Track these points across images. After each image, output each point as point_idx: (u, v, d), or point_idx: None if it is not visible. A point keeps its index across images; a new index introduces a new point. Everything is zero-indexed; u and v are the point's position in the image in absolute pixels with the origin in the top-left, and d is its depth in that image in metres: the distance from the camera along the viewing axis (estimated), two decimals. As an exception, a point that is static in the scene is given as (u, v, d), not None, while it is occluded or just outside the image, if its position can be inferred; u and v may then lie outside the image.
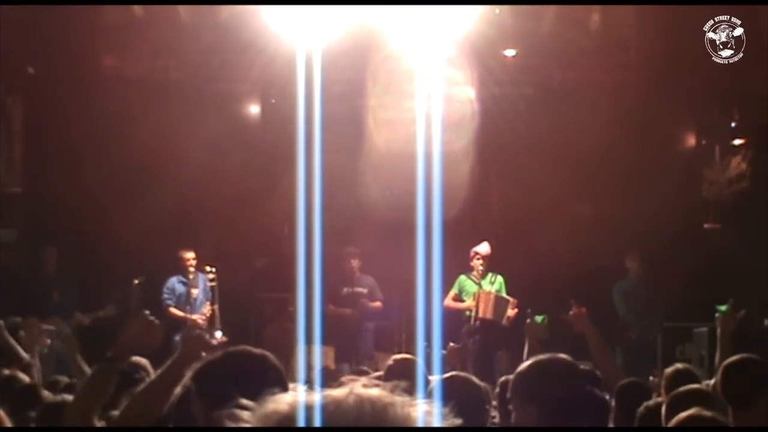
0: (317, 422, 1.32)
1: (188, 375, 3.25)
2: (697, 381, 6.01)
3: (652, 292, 11.69)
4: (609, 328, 11.58)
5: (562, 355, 3.63)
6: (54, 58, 12.16)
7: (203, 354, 3.65)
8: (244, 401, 1.39)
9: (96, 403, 3.82)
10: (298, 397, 1.36)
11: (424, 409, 1.36)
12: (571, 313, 6.20)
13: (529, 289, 11.14)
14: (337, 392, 1.35)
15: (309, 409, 1.34)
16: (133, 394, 3.62)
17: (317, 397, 1.35)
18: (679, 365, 6.31)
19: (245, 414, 1.37)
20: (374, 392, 1.35)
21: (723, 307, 6.02)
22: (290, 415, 1.34)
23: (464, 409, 1.44)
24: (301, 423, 1.32)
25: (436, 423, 1.37)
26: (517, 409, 3.45)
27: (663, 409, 4.57)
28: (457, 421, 1.40)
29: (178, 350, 3.71)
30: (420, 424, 1.34)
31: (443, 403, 1.41)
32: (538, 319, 7.25)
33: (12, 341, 5.86)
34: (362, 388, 1.36)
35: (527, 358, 6.30)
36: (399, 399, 1.35)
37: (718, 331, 5.89)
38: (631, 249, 11.82)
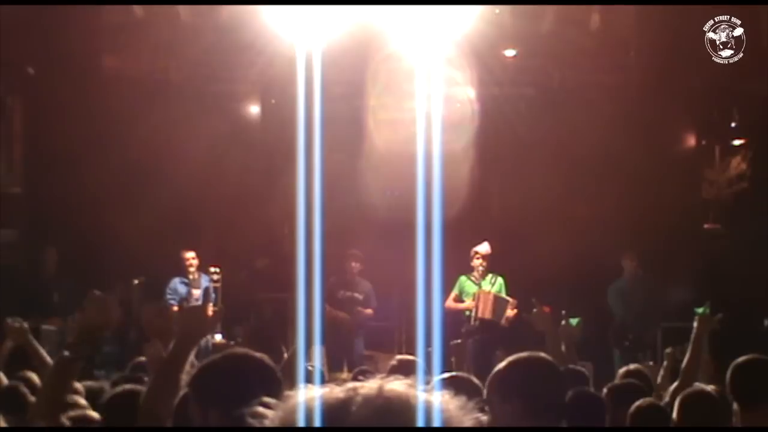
0: (346, 419, 1.30)
1: (186, 380, 3.24)
2: (647, 379, 6.03)
3: (649, 291, 11.69)
4: (606, 329, 11.62)
5: (542, 354, 3.67)
6: (54, 58, 12.14)
7: (202, 327, 3.61)
8: (267, 399, 1.37)
9: (61, 394, 3.78)
10: (323, 392, 1.34)
11: (454, 404, 1.35)
12: (534, 311, 6.23)
13: (528, 289, 11.13)
14: (365, 388, 1.34)
15: (336, 405, 1.32)
16: (145, 390, 3.58)
17: (345, 392, 1.33)
18: (631, 366, 6.35)
19: (268, 412, 1.36)
20: (402, 388, 1.34)
21: (700, 309, 6.02)
22: (315, 411, 1.32)
23: None
24: (325, 419, 1.31)
25: (465, 416, 1.36)
26: (495, 406, 3.47)
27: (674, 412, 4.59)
28: (484, 418, 1.39)
29: (177, 332, 3.61)
30: (451, 419, 1.33)
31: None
32: (573, 321, 7.24)
33: (36, 344, 5.81)
34: (389, 384, 1.34)
35: (566, 361, 6.32)
36: (425, 395, 1.34)
37: (693, 332, 5.88)
38: (629, 249, 11.82)
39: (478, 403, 1.41)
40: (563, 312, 6.33)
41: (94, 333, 3.72)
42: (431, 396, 1.34)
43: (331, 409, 1.31)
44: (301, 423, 1.31)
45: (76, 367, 3.72)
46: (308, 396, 1.34)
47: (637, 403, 4.84)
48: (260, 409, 1.36)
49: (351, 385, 1.34)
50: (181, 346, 3.49)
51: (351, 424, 1.29)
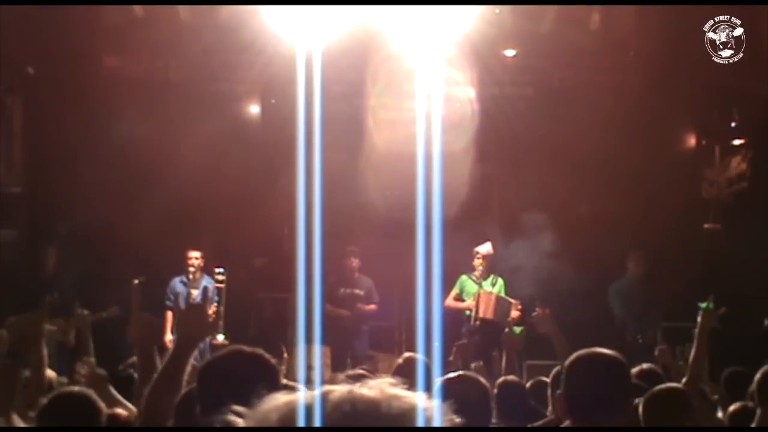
0: (313, 423, 1.31)
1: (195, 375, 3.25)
2: (661, 379, 6.05)
3: (650, 292, 11.69)
4: (606, 330, 11.62)
5: (602, 350, 3.64)
6: (54, 58, 12.15)
7: (203, 329, 3.61)
8: (238, 407, 1.38)
9: (7, 402, 3.84)
10: (293, 398, 1.34)
11: (424, 407, 1.35)
12: (534, 314, 6.26)
13: (529, 290, 11.13)
14: (336, 393, 1.34)
15: (305, 410, 1.32)
16: (146, 392, 3.57)
17: (313, 397, 1.33)
18: (644, 365, 6.36)
19: (239, 420, 1.36)
20: (372, 393, 1.34)
21: (704, 304, 6.04)
22: (286, 417, 1.33)
23: (471, 408, 1.43)
24: (298, 424, 1.31)
25: (437, 421, 1.36)
26: (555, 400, 3.52)
27: (640, 408, 4.59)
28: (456, 419, 1.39)
29: (177, 333, 3.63)
30: (419, 423, 1.33)
31: (452, 403, 1.40)
32: (517, 330, 7.29)
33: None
34: (361, 389, 1.34)
35: (505, 370, 6.37)
36: (398, 400, 1.33)
37: (698, 327, 5.89)
38: (634, 250, 11.82)
39: (483, 403, 1.42)
40: (508, 320, 6.36)
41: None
42: (406, 399, 1.33)
43: (297, 416, 1.32)
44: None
45: (17, 374, 3.81)
46: (277, 403, 1.34)
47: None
48: (230, 417, 1.37)
49: (326, 388, 1.34)
50: (182, 347, 3.49)
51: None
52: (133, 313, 3.88)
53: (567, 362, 3.53)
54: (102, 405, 4.27)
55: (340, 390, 1.33)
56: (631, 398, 3.53)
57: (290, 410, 1.33)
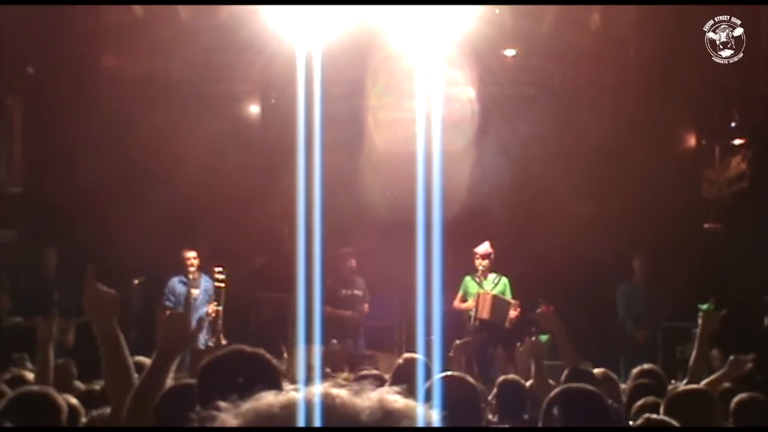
0: (299, 422, 1.31)
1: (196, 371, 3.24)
2: (660, 378, 6.05)
3: (652, 293, 11.69)
4: (607, 330, 11.62)
5: (589, 387, 3.69)
6: (54, 58, 12.15)
7: (184, 339, 3.58)
8: (221, 403, 1.38)
9: None
10: (276, 397, 1.35)
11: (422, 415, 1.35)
12: (538, 311, 6.27)
13: (529, 289, 11.14)
14: (309, 391, 1.34)
15: (295, 407, 1.33)
16: (128, 400, 3.54)
17: (296, 396, 1.34)
18: (645, 366, 6.36)
19: (222, 415, 1.36)
20: (345, 393, 1.34)
21: (705, 306, 6.05)
22: (270, 416, 1.33)
23: (459, 408, 1.43)
24: (284, 423, 1.32)
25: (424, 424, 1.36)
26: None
27: (662, 408, 4.59)
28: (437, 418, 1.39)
29: (159, 342, 3.58)
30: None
31: (440, 403, 1.40)
32: (543, 338, 7.26)
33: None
34: (333, 388, 1.35)
35: (535, 378, 6.38)
36: (372, 399, 1.34)
37: (699, 329, 5.89)
38: (639, 250, 11.82)
39: (472, 402, 1.42)
40: (533, 329, 6.36)
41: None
42: (400, 405, 1.33)
43: (262, 418, 1.33)
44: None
45: None
46: (248, 406, 1.35)
47: (642, 400, 4.83)
48: (214, 413, 1.37)
49: (326, 393, 1.35)
50: (163, 356, 3.44)
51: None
52: (85, 285, 3.79)
53: (547, 397, 3.59)
54: (62, 403, 4.25)
55: (315, 390, 1.34)
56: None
57: (289, 410, 1.33)
